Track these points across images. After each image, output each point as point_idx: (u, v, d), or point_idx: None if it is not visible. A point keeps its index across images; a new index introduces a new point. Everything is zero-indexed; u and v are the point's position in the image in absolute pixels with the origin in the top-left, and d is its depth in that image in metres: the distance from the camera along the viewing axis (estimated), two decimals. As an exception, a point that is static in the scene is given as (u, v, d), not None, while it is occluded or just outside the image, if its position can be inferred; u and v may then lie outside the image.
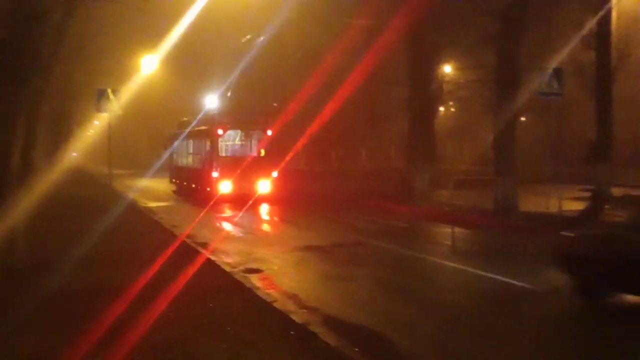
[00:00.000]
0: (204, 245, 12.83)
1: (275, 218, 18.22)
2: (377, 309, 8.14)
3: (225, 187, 22.41)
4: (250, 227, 16.37)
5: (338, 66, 25.53)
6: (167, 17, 21.34)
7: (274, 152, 23.37)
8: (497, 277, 9.73)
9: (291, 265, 11.06)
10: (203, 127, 24.50)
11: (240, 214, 18.12)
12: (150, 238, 12.92)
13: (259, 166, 22.54)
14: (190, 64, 35.15)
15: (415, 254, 11.99)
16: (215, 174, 22.50)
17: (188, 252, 11.54)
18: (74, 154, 48.89)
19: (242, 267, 10.62)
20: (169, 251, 11.15)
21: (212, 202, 20.76)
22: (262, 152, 23.27)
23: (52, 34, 15.68)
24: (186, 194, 25.85)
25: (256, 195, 21.58)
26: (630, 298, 7.91)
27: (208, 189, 22.81)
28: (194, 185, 25.23)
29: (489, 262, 10.90)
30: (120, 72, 25.47)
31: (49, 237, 12.63)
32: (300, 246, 12.82)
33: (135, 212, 18.12)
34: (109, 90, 19.17)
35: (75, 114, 33.86)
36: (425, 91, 21.02)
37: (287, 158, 23.68)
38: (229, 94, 30.29)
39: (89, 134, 38.95)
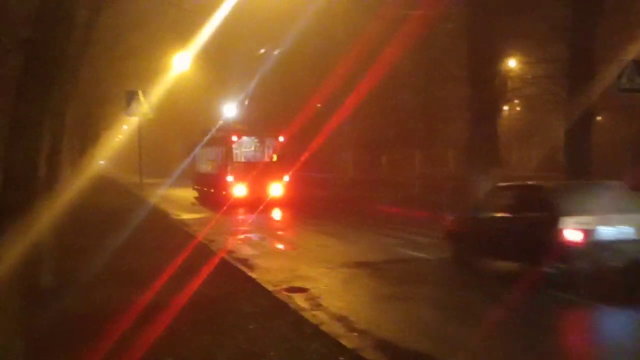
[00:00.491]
0: (244, 261, 13.04)
1: (320, 232, 18.55)
2: (434, 333, 8.12)
3: (239, 191, 26.11)
4: (291, 240, 16.62)
5: (392, 63, 26.44)
6: (199, 12, 22.02)
7: (286, 158, 27.36)
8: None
9: (339, 283, 11.13)
10: (219, 135, 28.44)
11: (280, 232, 18.48)
12: (186, 254, 13.11)
13: (271, 171, 26.35)
14: (219, 64, 38.61)
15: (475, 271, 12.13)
16: (229, 179, 26.30)
17: (227, 269, 11.74)
18: (102, 162, 50.69)
19: (285, 286, 10.77)
20: (208, 269, 11.36)
21: (226, 206, 24.42)
22: (275, 158, 27.06)
23: (80, 33, 16.18)
24: (206, 200, 29.69)
25: (268, 199, 25.30)
26: (492, 262, 12.05)
27: (223, 193, 26.62)
28: (212, 191, 29.08)
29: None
30: (149, 74, 26.06)
31: (77, 254, 12.72)
32: (348, 262, 12.93)
33: (169, 226, 18.55)
34: (140, 93, 19.62)
35: (103, 118, 34.74)
36: (488, 88, 20.79)
37: (301, 162, 27.36)
38: (246, 102, 37.00)
39: (117, 140, 39.78)
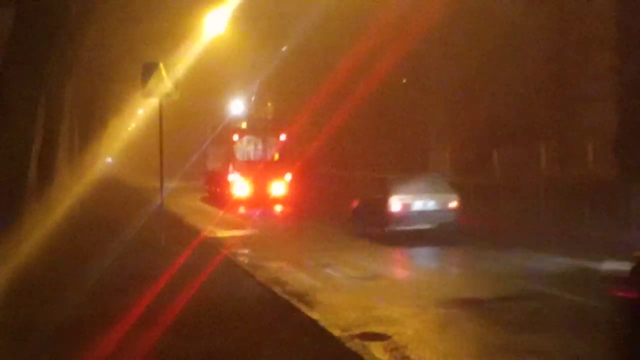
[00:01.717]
0: (301, 296, 13.29)
1: (405, 254, 18.88)
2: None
3: (241, 189, 34.82)
4: (363, 265, 16.94)
5: (508, 20, 28.24)
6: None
7: (289, 156, 36.45)
8: None
9: (434, 328, 11.21)
10: (223, 133, 37.81)
11: (347, 254, 18.76)
12: (228, 288, 13.55)
13: (274, 170, 35.14)
14: (262, 23, 43.84)
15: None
16: (232, 177, 35.09)
17: (280, 308, 12.03)
18: (109, 160, 53.52)
19: (358, 331, 10.90)
20: (260, 309, 11.78)
21: (229, 204, 32.44)
22: (276, 156, 36.14)
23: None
24: (214, 199, 38.31)
25: (270, 197, 34.07)
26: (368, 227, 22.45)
27: (227, 192, 35.12)
28: (218, 190, 38.17)
29: None
30: (173, 41, 26.70)
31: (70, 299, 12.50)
32: (445, 299, 13.05)
33: (206, 251, 18.79)
34: (161, 65, 19.94)
35: (112, 101, 35.69)
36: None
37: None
38: (252, 99, 49.40)
39: (129, 129, 41.05)
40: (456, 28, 30.37)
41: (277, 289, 13.59)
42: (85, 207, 25.66)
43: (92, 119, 31.82)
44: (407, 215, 21.34)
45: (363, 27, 37.60)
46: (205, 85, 47.37)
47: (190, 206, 35.61)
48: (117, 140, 38.42)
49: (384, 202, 21.38)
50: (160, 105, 20.96)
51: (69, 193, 20.59)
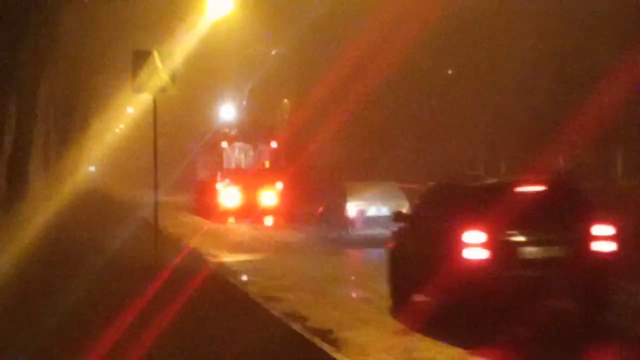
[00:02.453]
0: (325, 334, 13.24)
1: None
2: None
3: (229, 199, 39.03)
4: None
5: None
6: None
7: (281, 164, 41.33)
8: None
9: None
10: (211, 140, 42.70)
11: (375, 286, 18.20)
12: (238, 325, 13.59)
13: (264, 178, 39.64)
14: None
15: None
16: (220, 187, 39.32)
17: (301, 347, 12.01)
18: (92, 168, 55.35)
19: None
20: (271, 347, 11.90)
21: (215, 216, 37.35)
22: (267, 164, 41.19)
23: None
24: (201, 210, 42.51)
25: (260, 207, 38.36)
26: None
27: (214, 202, 39.47)
28: (205, 200, 42.60)
29: None
30: (169, 24, 27.43)
31: None
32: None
33: (211, 283, 18.39)
34: (155, 54, 20.04)
35: (95, 97, 35.99)
36: None
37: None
38: (244, 102, 55.57)
39: (116, 132, 42.85)
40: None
41: (297, 326, 13.55)
42: (63, 225, 25.73)
43: (72, 119, 31.99)
44: (361, 221, 27.05)
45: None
46: (200, 81, 50.74)
47: (185, 224, 36.32)
48: (101, 145, 38.60)
49: (342, 208, 27.40)
50: (154, 103, 20.83)
51: (44, 208, 20.40)
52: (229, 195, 39.12)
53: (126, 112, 40.46)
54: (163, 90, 20.65)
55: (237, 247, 27.40)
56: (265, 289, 17.87)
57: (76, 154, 31.77)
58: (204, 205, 42.45)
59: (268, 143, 41.19)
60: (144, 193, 31.64)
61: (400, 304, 15.33)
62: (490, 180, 16.12)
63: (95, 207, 34.72)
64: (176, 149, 54.09)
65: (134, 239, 25.00)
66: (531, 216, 13.48)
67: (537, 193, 14.04)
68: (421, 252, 14.87)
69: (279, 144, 41.46)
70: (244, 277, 20.22)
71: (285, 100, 53.84)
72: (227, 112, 54.84)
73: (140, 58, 19.92)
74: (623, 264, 14.24)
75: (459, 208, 14.08)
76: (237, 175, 39.99)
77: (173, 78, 20.68)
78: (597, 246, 13.49)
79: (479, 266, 13.10)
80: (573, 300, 14.18)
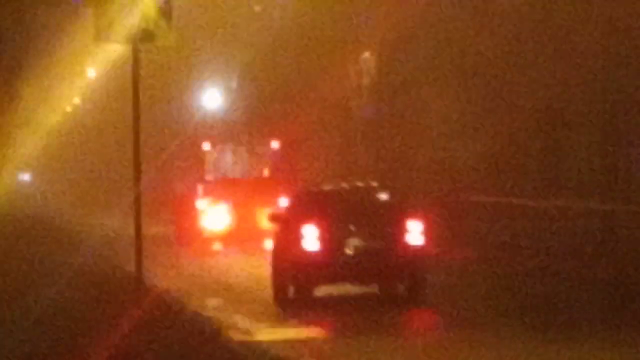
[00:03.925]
0: None
1: None
2: None
3: (215, 221, 33.93)
4: None
5: None
6: None
7: (284, 171, 36.05)
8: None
9: None
10: (189, 141, 37.94)
11: None
12: None
13: (263, 191, 33.79)
14: None
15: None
16: (201, 204, 34.44)
17: None
18: (24, 176, 52.01)
19: None
20: None
21: (198, 245, 33.31)
22: (266, 172, 36.26)
23: None
24: (184, 237, 36.64)
25: (259, 230, 31.34)
26: None
27: (191, 225, 34.59)
28: (176, 219, 37.44)
29: None
30: None
31: None
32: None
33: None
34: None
35: (32, 47, 29.75)
36: None
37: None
38: (234, 85, 48.53)
39: (68, 110, 37.70)
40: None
41: None
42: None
43: None
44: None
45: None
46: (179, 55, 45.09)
47: (183, 268, 30.89)
48: (41, 136, 31.69)
49: None
50: (135, 59, 17.58)
51: None
52: (213, 216, 33.99)
53: (85, 76, 34.02)
54: (149, 36, 17.28)
55: (269, 307, 22.81)
56: None
57: None
58: (184, 231, 36.20)
59: (267, 144, 35.80)
60: (116, 219, 30.84)
61: (277, 294, 20.90)
62: (328, 187, 24.51)
63: (29, 254, 27.52)
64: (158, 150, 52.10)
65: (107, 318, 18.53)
66: (358, 214, 20.77)
67: (363, 196, 22.15)
68: (283, 247, 21.08)
69: (283, 144, 36.54)
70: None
71: (367, 54, 45.07)
72: (212, 99, 46.95)
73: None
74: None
75: (303, 209, 21.17)
76: (224, 187, 34.50)
77: (166, 14, 17.31)
78: (410, 238, 20.08)
79: (314, 255, 19.97)
80: (397, 281, 20.71)
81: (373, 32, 44.45)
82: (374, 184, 24.64)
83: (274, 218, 21.87)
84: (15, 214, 33.76)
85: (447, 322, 17.77)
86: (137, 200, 19.28)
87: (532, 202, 35.77)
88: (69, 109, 38.30)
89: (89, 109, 40.76)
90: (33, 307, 19.52)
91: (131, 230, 20.80)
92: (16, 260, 28.29)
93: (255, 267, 30.34)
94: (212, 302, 24.13)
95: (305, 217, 19.98)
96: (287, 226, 21.07)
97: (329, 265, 19.65)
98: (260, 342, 17.34)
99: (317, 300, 22.09)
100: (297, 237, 19.90)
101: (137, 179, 18.98)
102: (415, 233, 20.04)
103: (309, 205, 21.04)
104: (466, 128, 40.17)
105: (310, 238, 19.57)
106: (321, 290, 21.39)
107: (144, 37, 17.15)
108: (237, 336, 17.70)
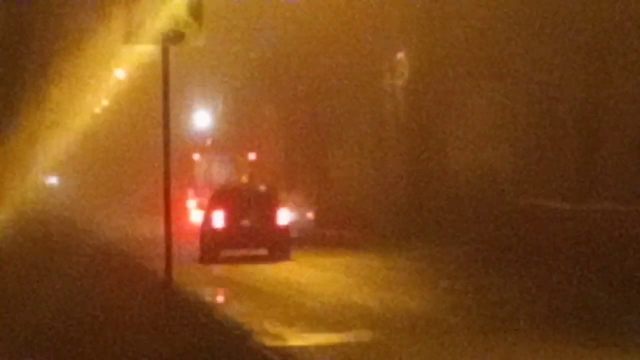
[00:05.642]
0: None
1: None
2: None
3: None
4: None
5: None
6: None
7: (259, 176, 45.64)
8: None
9: None
10: (179, 152, 41.55)
11: None
12: None
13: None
14: None
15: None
16: (191, 204, 43.06)
17: None
18: (52, 179, 52.94)
19: None
20: None
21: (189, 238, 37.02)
22: (244, 178, 45.63)
23: None
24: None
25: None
26: None
27: (183, 221, 40.88)
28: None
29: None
30: None
31: None
32: None
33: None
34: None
35: (56, 49, 30.29)
36: None
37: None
38: (219, 107, 57.70)
39: (94, 114, 38.12)
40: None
41: None
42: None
43: (14, 89, 26.55)
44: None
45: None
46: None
47: (212, 271, 31.79)
48: (69, 137, 33.19)
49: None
50: (165, 60, 17.28)
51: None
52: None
53: (114, 77, 34.83)
54: (179, 37, 17.02)
55: (299, 312, 23.20)
56: None
57: (19, 151, 26.66)
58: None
59: (246, 155, 45.66)
60: (145, 221, 35.71)
61: (201, 255, 32.35)
62: (233, 186, 38.36)
63: (54, 258, 26.80)
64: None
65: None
66: (249, 204, 32.74)
67: (253, 193, 35.22)
68: (204, 225, 32.94)
69: (259, 155, 47.73)
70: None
71: (401, 54, 45.24)
72: (202, 119, 57.22)
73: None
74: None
75: (216, 200, 33.39)
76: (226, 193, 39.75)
77: (197, 14, 17.08)
78: (280, 220, 32.40)
79: (220, 230, 32.01)
80: (272, 246, 32.16)
81: (407, 31, 44.20)
82: (262, 185, 38.44)
83: (200, 206, 35.24)
84: (41, 218, 33.54)
85: (483, 325, 17.89)
86: (167, 202, 18.76)
87: (569, 205, 35.05)
88: (97, 110, 38.45)
89: (117, 111, 41.08)
90: (59, 314, 19.33)
91: (161, 231, 20.61)
92: (36, 267, 27.73)
93: (284, 273, 31.41)
94: (241, 306, 24.20)
95: (216, 206, 32.62)
96: (206, 212, 33.20)
97: (230, 236, 31.74)
98: (291, 348, 17.47)
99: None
100: (211, 219, 31.84)
101: (167, 181, 18.58)
102: (281, 216, 33.05)
103: (219, 198, 33.71)
104: (502, 130, 39.82)
105: (218, 219, 31.93)
106: (227, 253, 33.72)
107: (174, 38, 16.96)
108: (267, 341, 17.64)
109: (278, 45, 50.53)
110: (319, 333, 19.91)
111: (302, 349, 17.79)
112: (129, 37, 17.11)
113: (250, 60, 52.54)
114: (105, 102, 40.09)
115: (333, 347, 18.27)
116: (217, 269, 33.74)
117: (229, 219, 32.35)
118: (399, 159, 42.88)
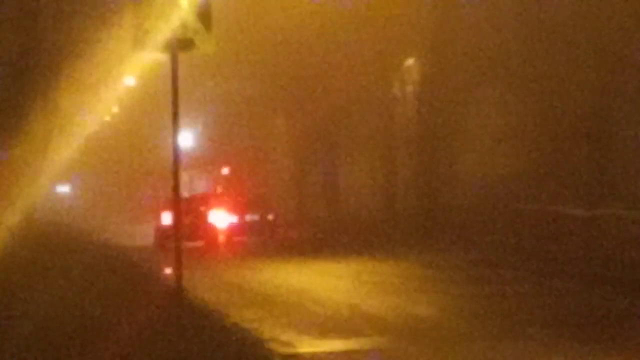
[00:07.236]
0: None
1: None
2: None
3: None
4: None
5: None
6: None
7: (232, 187, 56.47)
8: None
9: None
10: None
11: None
12: None
13: (217, 200, 50.57)
14: None
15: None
16: (164, 222, 45.59)
17: None
18: (64, 188, 52.95)
19: None
20: None
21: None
22: (219, 189, 57.61)
23: None
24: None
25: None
26: None
27: (166, 228, 44.61)
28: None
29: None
30: None
31: None
32: None
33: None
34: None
35: (67, 57, 30.21)
36: None
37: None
38: (199, 128, 62.84)
39: (104, 122, 38.53)
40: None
41: None
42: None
43: (25, 96, 26.10)
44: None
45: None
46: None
47: (220, 276, 32.05)
48: (80, 145, 33.09)
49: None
50: (174, 67, 16.95)
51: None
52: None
53: (124, 84, 35.43)
54: (188, 44, 16.72)
55: (311, 318, 22.84)
56: None
57: (30, 157, 26.09)
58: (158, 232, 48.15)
59: (220, 169, 55.76)
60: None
61: (155, 246, 40.84)
62: (180, 193, 31.12)
63: (65, 266, 25.87)
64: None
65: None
66: (192, 207, 43.11)
67: (195, 198, 49.49)
68: (156, 223, 42.75)
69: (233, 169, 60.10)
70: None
71: (411, 62, 46.24)
72: (186, 139, 61.66)
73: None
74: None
75: (167, 204, 42.51)
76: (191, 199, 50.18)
77: (206, 21, 16.78)
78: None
79: (167, 227, 39.61)
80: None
81: (417, 38, 44.29)
82: (200, 194, 46.52)
83: (155, 209, 41.93)
84: (53, 230, 33.99)
85: (489, 332, 18.03)
86: (176, 210, 18.70)
87: (581, 210, 35.03)
88: (107, 118, 38.63)
89: (127, 118, 41.91)
90: (72, 320, 18.05)
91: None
92: (49, 274, 27.57)
93: (296, 279, 31.01)
94: (252, 313, 23.97)
95: (165, 208, 40.76)
96: (158, 213, 42.03)
97: (172, 231, 37.07)
98: (303, 355, 17.35)
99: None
100: (161, 218, 40.81)
101: (176, 189, 18.22)
102: (213, 216, 43.76)
103: (168, 203, 39.88)
104: (513, 136, 39.68)
105: (166, 218, 40.17)
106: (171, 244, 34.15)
107: (183, 45, 16.70)
108: (279, 348, 17.39)
109: (288, 54, 51.35)
110: (330, 340, 19.61)
111: (314, 355, 17.69)
112: (138, 44, 16.78)
113: (260, 68, 53.78)
114: (115, 109, 40.84)
115: (345, 353, 18.08)
116: (227, 275, 33.58)
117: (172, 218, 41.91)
118: (410, 166, 43.09)
